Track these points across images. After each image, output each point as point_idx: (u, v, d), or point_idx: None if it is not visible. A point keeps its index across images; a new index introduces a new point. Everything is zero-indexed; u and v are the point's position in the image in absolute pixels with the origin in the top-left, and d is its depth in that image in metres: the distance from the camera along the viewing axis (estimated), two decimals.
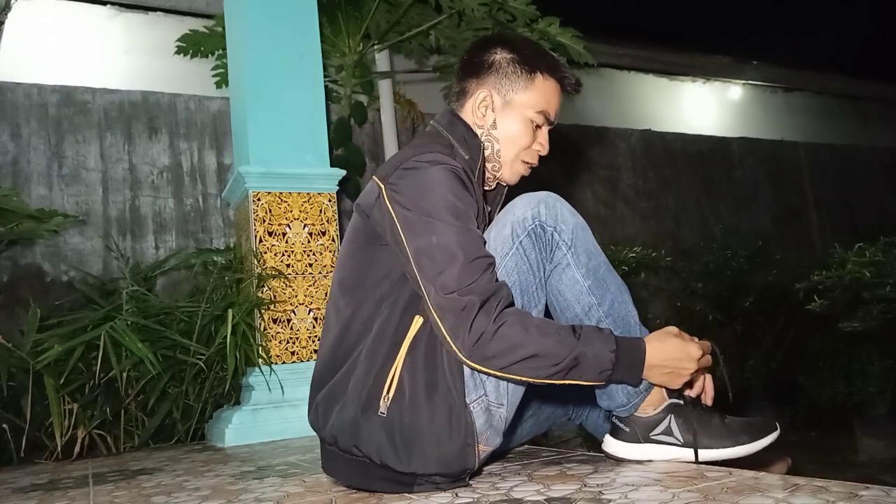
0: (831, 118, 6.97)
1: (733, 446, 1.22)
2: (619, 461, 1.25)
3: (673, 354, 1.15)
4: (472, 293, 1.07)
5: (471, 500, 1.07)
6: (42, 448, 2.26)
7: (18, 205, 2.71)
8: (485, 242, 1.16)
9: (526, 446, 1.56)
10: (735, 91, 6.58)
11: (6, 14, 2.97)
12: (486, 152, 1.31)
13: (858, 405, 3.59)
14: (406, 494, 1.15)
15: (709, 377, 1.29)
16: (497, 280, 1.12)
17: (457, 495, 1.10)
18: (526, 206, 1.17)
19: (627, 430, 1.24)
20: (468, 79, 1.33)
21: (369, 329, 1.18)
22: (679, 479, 1.06)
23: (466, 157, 1.25)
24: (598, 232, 5.20)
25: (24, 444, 2.19)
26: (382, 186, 1.18)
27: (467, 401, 1.14)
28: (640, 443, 1.23)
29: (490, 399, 1.15)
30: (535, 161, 1.35)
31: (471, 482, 1.19)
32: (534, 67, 1.30)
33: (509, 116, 1.30)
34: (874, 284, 3.22)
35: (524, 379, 1.10)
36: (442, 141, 1.26)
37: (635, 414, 1.23)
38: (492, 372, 1.09)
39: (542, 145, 1.34)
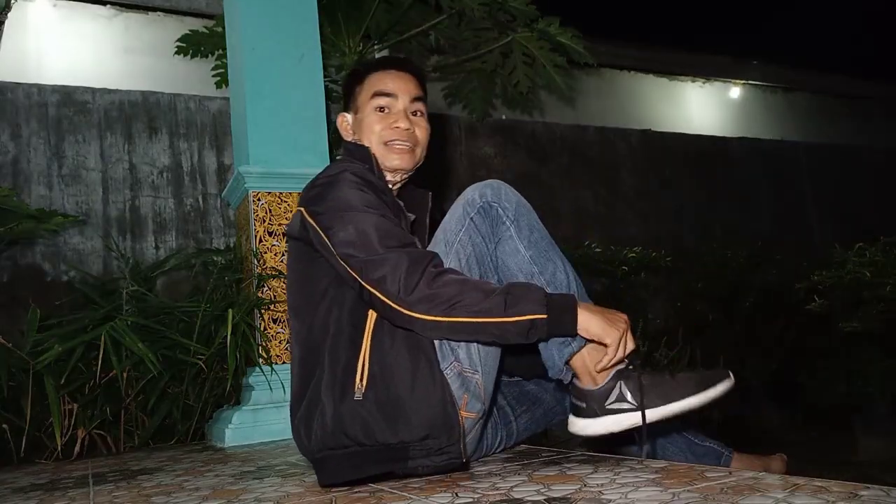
0: (831, 118, 6.98)
1: (681, 399, 1.22)
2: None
3: (601, 308, 1.22)
4: (401, 251, 1.18)
5: (471, 500, 1.07)
6: (42, 448, 2.26)
7: (18, 205, 2.71)
8: (402, 229, 1.27)
9: (526, 446, 1.56)
10: (735, 91, 6.58)
11: (6, 14, 2.97)
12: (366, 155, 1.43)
13: (858, 405, 3.59)
14: (406, 495, 1.15)
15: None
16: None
17: (457, 495, 1.11)
18: (474, 190, 1.30)
19: (584, 405, 1.25)
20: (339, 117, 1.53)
21: (326, 336, 1.26)
22: (679, 480, 1.07)
23: (366, 166, 1.39)
24: (598, 232, 5.23)
25: (24, 444, 2.19)
26: (303, 209, 1.30)
27: (440, 368, 1.20)
28: (598, 416, 1.24)
29: (463, 365, 1.21)
30: (400, 137, 1.43)
31: (468, 477, 1.19)
32: (361, 75, 1.49)
33: (360, 119, 1.47)
34: (874, 284, 3.22)
35: (469, 320, 1.13)
36: (342, 163, 1.40)
37: (586, 388, 1.25)
38: (433, 318, 1.14)
39: (397, 121, 1.43)
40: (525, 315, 1.13)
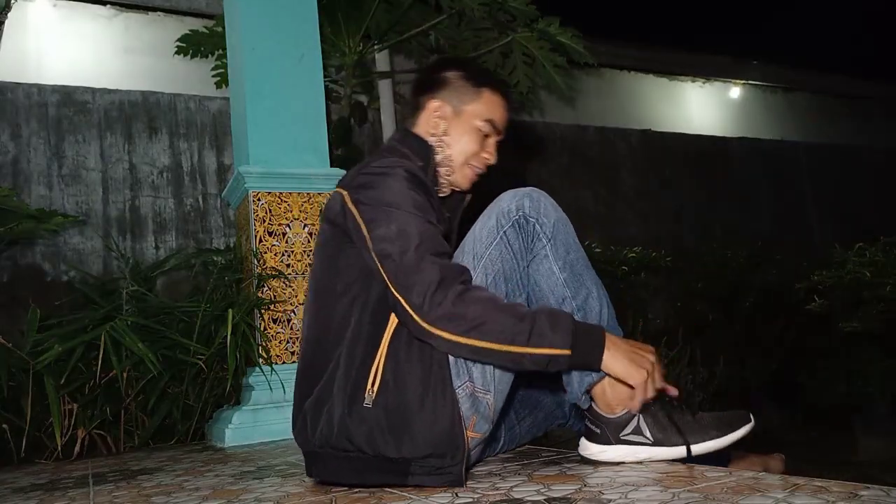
0: (831, 118, 6.97)
1: (703, 442, 1.22)
2: (595, 463, 1.25)
3: (631, 345, 1.18)
4: (435, 263, 1.13)
5: (471, 500, 1.07)
6: (42, 448, 2.26)
7: (18, 205, 2.71)
8: (444, 237, 1.22)
9: (526, 446, 1.56)
10: (735, 91, 6.58)
11: (6, 14, 2.97)
12: (438, 157, 1.39)
13: (858, 405, 3.59)
14: (406, 495, 1.15)
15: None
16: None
17: (457, 495, 1.10)
18: (511, 199, 1.24)
19: (598, 431, 1.24)
20: (422, 95, 1.44)
21: (345, 331, 1.22)
22: (679, 480, 1.06)
23: (420, 164, 1.34)
24: (598, 232, 5.22)
25: (24, 444, 2.19)
26: (345, 193, 1.25)
27: (453, 384, 1.17)
28: (612, 444, 1.24)
29: (476, 385, 1.18)
30: (482, 167, 1.43)
31: (468, 483, 1.19)
32: (480, 83, 1.43)
33: (459, 124, 1.41)
34: (874, 284, 3.22)
35: (488, 345, 1.10)
36: (396, 153, 1.35)
37: (604, 414, 1.24)
38: (454, 338, 1.10)
39: (489, 153, 1.43)
40: (547, 349, 1.10)
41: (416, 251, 1.14)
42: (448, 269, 1.14)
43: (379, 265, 1.17)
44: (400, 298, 1.13)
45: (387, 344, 1.18)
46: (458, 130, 1.40)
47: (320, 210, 2.57)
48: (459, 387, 1.16)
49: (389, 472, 1.16)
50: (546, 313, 1.13)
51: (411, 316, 1.12)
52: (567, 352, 1.10)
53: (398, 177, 1.22)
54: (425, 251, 1.14)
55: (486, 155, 1.42)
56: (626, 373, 1.15)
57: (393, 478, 1.17)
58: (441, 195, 1.41)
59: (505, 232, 1.21)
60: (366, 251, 1.19)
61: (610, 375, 1.18)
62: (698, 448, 1.21)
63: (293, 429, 1.29)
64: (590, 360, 1.14)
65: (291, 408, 2.34)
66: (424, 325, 1.11)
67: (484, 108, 1.41)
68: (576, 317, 1.21)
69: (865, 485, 0.91)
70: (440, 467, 1.15)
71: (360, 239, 1.21)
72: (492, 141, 1.43)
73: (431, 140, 1.39)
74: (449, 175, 1.41)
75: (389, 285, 1.15)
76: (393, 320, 1.19)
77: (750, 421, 1.24)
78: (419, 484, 1.16)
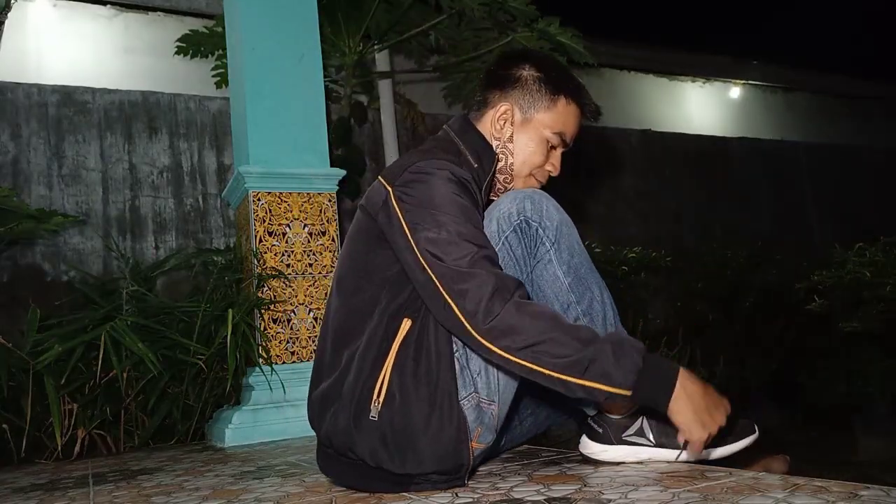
0: (831, 118, 6.97)
1: (704, 448, 1.21)
2: (596, 463, 1.25)
3: (710, 399, 1.07)
4: (489, 271, 1.05)
5: (471, 500, 1.07)
6: (42, 448, 2.26)
7: (18, 205, 2.71)
8: (493, 248, 1.15)
9: (526, 446, 1.56)
10: (735, 91, 6.58)
11: (6, 14, 2.97)
12: (499, 164, 1.31)
13: (858, 405, 3.59)
14: (405, 494, 1.15)
15: None
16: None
17: (457, 495, 1.10)
18: (511, 202, 1.18)
19: (601, 430, 1.24)
20: (492, 90, 1.33)
21: (361, 333, 1.17)
22: (679, 479, 1.06)
23: (475, 165, 1.26)
24: (598, 232, 5.22)
25: (24, 444, 2.19)
26: (390, 189, 1.17)
27: (458, 397, 1.13)
28: (613, 444, 1.23)
29: (481, 396, 1.14)
30: (544, 180, 1.35)
31: (469, 482, 1.19)
32: (558, 90, 1.31)
33: (527, 133, 1.31)
34: (874, 284, 3.22)
35: (540, 370, 1.02)
36: (451, 148, 1.27)
37: (608, 414, 1.23)
38: (506, 355, 1.03)
39: (554, 166, 1.34)
40: (604, 385, 1.01)
41: (472, 257, 1.06)
42: (503, 279, 1.06)
43: (427, 268, 1.08)
44: (452, 304, 1.05)
45: (394, 355, 1.13)
46: (525, 138, 1.30)
47: (320, 210, 2.57)
48: (465, 398, 1.13)
49: (392, 483, 1.16)
50: (613, 343, 1.03)
51: (463, 324, 1.04)
52: (627, 392, 1.01)
53: (444, 179, 1.13)
54: (480, 257, 1.06)
55: (549, 168, 1.34)
56: (686, 428, 1.06)
57: (395, 487, 1.16)
58: (493, 199, 1.32)
59: (507, 237, 1.16)
60: (408, 253, 1.11)
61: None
62: (700, 452, 1.21)
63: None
64: (655, 403, 1.04)
65: (291, 408, 2.36)
66: (476, 335, 1.04)
67: (556, 119, 1.30)
68: (581, 321, 1.18)
69: (865, 485, 0.91)
70: (443, 481, 1.15)
71: (401, 239, 1.12)
72: (558, 153, 1.34)
73: (495, 144, 1.30)
74: (507, 183, 1.32)
75: (440, 289, 1.06)
76: (402, 330, 1.14)
77: (754, 432, 1.24)
78: (421, 490, 1.16)
